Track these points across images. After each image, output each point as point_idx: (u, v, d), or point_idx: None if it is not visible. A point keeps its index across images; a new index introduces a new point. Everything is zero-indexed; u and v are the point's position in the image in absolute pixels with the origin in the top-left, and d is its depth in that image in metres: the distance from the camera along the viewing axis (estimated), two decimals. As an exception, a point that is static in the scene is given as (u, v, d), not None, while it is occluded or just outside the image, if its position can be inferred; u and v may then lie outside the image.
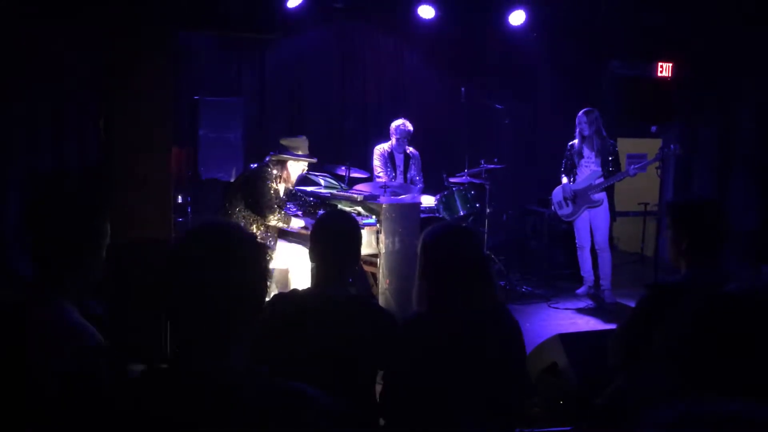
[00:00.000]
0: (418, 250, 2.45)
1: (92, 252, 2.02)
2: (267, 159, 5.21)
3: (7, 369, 1.79)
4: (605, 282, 6.44)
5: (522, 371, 2.50)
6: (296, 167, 5.25)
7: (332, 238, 2.56)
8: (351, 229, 2.62)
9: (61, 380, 1.59)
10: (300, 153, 5.20)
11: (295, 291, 2.65)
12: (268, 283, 1.34)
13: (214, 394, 1.33)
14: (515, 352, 2.43)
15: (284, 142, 5.24)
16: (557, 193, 6.62)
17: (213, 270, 1.36)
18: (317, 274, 2.55)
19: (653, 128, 6.34)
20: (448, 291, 2.34)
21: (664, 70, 7.90)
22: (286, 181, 5.23)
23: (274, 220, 5.04)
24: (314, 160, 5.39)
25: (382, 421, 2.46)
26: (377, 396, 2.48)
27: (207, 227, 1.45)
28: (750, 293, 1.38)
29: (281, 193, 5.22)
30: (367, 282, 5.60)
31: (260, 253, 1.45)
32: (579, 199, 6.43)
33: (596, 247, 6.45)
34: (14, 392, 1.77)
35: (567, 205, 6.52)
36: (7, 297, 1.95)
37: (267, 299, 2.63)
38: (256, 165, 5.28)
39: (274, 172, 5.13)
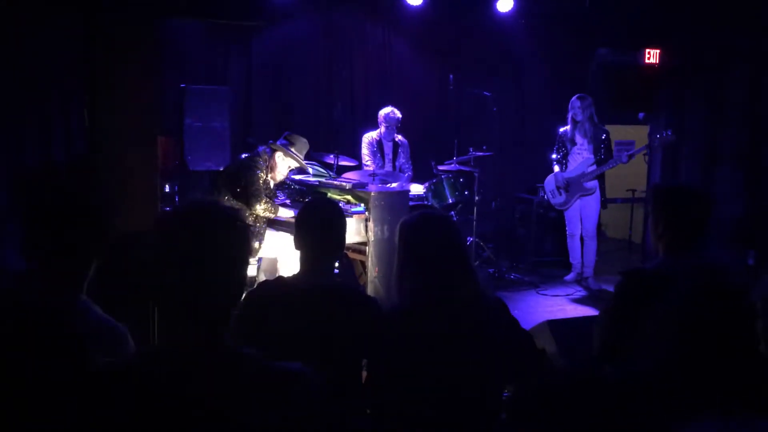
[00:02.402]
0: (396, 239, 2.41)
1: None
2: (261, 148, 5.20)
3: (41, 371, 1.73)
4: (588, 270, 6.49)
5: (523, 346, 2.38)
6: (284, 162, 5.23)
7: (316, 226, 2.55)
8: (334, 216, 2.61)
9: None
10: (293, 150, 5.18)
11: (280, 278, 2.61)
12: (249, 265, 1.35)
13: (208, 374, 1.35)
14: (507, 332, 2.35)
15: (288, 137, 5.25)
16: (550, 182, 6.61)
17: (196, 251, 1.37)
18: (302, 262, 2.54)
19: (640, 115, 6.36)
20: (427, 279, 2.30)
21: (652, 56, 7.91)
22: (272, 171, 5.21)
23: (260, 210, 5.03)
24: (303, 164, 5.38)
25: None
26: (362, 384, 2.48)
27: (189, 209, 1.47)
28: (745, 289, 1.36)
29: (271, 185, 5.21)
30: (353, 271, 5.60)
31: (240, 233, 1.45)
32: (572, 187, 6.41)
33: (584, 234, 6.47)
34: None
35: (560, 194, 6.51)
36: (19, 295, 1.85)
37: (253, 287, 2.63)
38: (247, 155, 5.27)
39: (264, 161, 5.11)
